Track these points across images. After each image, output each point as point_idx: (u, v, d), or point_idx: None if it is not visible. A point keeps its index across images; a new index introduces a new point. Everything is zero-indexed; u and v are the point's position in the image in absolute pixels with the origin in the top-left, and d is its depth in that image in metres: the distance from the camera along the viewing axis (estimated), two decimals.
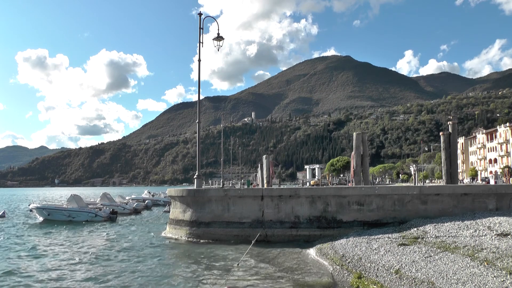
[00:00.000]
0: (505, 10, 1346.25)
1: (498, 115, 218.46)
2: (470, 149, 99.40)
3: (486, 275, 8.24)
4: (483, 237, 11.30)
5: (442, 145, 20.57)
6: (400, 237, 13.05)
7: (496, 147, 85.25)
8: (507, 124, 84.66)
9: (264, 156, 35.48)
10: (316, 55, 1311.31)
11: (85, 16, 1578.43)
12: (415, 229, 13.63)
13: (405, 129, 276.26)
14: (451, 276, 8.56)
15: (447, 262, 9.54)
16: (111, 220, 28.94)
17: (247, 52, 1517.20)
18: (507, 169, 62.01)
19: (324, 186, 33.85)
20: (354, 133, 22.93)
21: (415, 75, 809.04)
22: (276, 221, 16.38)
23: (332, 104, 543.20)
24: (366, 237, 13.74)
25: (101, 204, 33.28)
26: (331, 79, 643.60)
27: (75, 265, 13.26)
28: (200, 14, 19.97)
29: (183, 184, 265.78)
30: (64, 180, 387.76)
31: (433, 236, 12.37)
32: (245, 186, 44.95)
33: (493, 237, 11.05)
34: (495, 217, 13.31)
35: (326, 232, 15.71)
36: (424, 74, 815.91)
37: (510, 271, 8.19)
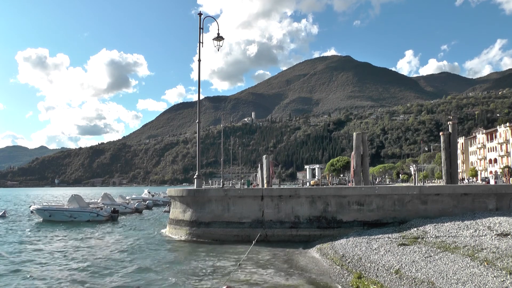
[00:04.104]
0: (506, 9, 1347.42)
1: (498, 115, 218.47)
2: (470, 149, 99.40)
3: (486, 275, 8.24)
4: (483, 237, 11.31)
5: (442, 145, 20.58)
6: (400, 237, 13.05)
7: (496, 147, 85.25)
8: (507, 124, 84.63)
9: (264, 156, 35.49)
10: (316, 55, 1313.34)
11: (85, 16, 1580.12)
12: (415, 229, 13.64)
13: (405, 129, 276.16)
14: (451, 276, 8.57)
15: (447, 262, 9.54)
16: (113, 220, 28.97)
17: (247, 52, 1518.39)
18: (507, 169, 62.01)
19: (324, 186, 33.87)
20: (354, 133, 22.94)
21: (415, 75, 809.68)
22: (276, 221, 16.39)
23: (332, 104, 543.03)
24: (366, 237, 13.74)
25: (103, 204, 33.29)
26: (331, 79, 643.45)
27: (75, 265, 13.27)
28: (200, 14, 19.99)
29: (183, 184, 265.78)
30: (64, 180, 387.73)
31: (433, 236, 12.38)
32: (245, 186, 44.98)
33: (493, 237, 11.06)
34: (495, 217, 13.32)
35: (326, 232, 15.72)
36: (424, 74, 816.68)
37: (510, 271, 8.20)
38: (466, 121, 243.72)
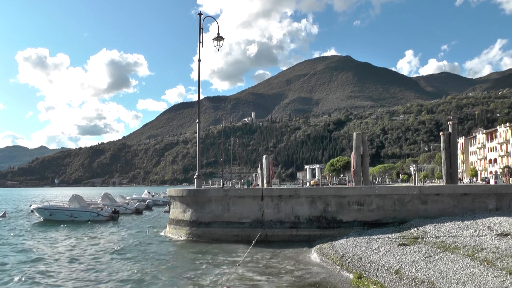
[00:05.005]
0: (506, 9, 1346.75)
1: (498, 115, 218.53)
2: (470, 149, 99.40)
3: (486, 275, 8.25)
4: (483, 237, 11.32)
5: (442, 145, 20.58)
6: (400, 237, 13.06)
7: (496, 147, 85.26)
8: (507, 124, 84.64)
9: (264, 156, 35.50)
10: (316, 55, 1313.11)
11: (85, 16, 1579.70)
12: (415, 229, 13.64)
13: (405, 129, 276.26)
14: (451, 276, 8.58)
15: (447, 262, 9.55)
16: (113, 220, 29.00)
17: (247, 52, 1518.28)
18: (507, 169, 62.01)
19: (324, 186, 33.87)
20: (354, 133, 22.94)
21: (415, 75, 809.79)
22: (276, 221, 16.39)
23: (332, 104, 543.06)
24: (366, 237, 13.75)
25: (103, 204, 33.29)
26: (331, 79, 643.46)
27: (75, 264, 13.29)
28: (200, 14, 19.98)
29: (183, 184, 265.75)
30: (64, 180, 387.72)
31: (433, 236, 12.39)
32: (245, 186, 44.98)
33: (493, 237, 11.06)
34: (495, 217, 13.33)
35: (326, 232, 15.73)
36: (424, 74, 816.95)
37: (510, 271, 8.21)
38: (466, 121, 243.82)
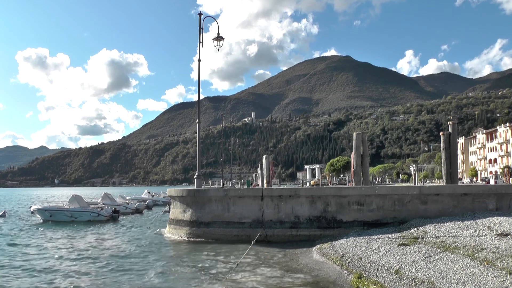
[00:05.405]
0: (506, 9, 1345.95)
1: (498, 115, 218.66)
2: (470, 149, 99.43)
3: (486, 275, 8.25)
4: (483, 237, 11.32)
5: (442, 145, 20.58)
6: (400, 237, 13.06)
7: (496, 147, 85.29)
8: (507, 124, 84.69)
9: (264, 156, 35.50)
10: (316, 55, 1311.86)
11: (85, 16, 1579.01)
12: (415, 229, 13.64)
13: (405, 129, 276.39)
14: (451, 276, 8.58)
15: (447, 262, 9.55)
16: (113, 220, 29.02)
17: (247, 52, 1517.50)
18: (507, 169, 62.02)
19: (324, 186, 33.88)
20: (354, 133, 22.96)
21: (415, 75, 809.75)
22: (276, 221, 16.40)
23: (332, 104, 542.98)
24: (366, 237, 13.75)
25: (103, 204, 33.31)
26: (331, 79, 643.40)
27: (76, 264, 13.30)
28: (200, 14, 19.99)
29: (183, 184, 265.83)
30: (64, 180, 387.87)
31: (433, 236, 12.39)
32: (245, 186, 44.98)
33: (493, 237, 11.07)
34: (495, 217, 13.33)
35: (326, 232, 15.73)
36: (424, 74, 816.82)
37: (510, 271, 8.21)
38: (466, 121, 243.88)
